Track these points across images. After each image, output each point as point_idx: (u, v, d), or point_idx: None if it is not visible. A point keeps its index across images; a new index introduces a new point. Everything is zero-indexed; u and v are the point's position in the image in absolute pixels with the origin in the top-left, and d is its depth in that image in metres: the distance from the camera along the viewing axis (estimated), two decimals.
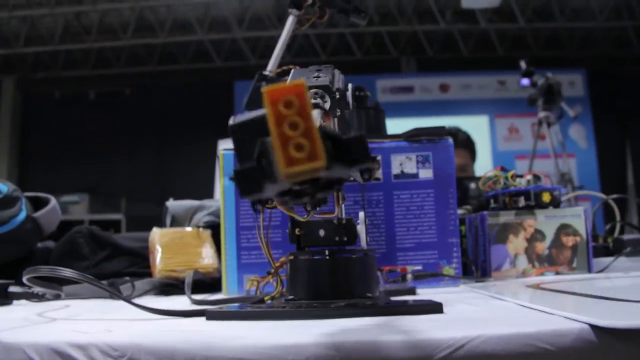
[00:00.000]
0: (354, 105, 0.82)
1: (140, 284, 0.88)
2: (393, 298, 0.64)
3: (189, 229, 0.99)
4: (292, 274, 0.64)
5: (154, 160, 6.68)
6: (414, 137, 0.93)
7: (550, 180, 1.00)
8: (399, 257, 0.89)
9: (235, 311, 0.52)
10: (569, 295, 0.61)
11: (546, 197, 0.96)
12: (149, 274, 0.96)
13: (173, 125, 6.54)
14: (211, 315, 0.53)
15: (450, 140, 0.92)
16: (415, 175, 0.91)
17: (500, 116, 7.48)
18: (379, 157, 0.91)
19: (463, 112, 7.52)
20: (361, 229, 0.68)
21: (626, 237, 1.04)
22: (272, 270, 0.71)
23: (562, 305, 0.55)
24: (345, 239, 0.67)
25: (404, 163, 0.91)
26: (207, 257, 0.95)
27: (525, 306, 0.54)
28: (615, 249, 1.06)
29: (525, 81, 3.12)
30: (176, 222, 1.08)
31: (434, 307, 0.52)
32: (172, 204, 1.09)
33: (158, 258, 0.92)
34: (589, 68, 6.43)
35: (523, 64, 3.09)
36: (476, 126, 7.52)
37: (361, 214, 0.68)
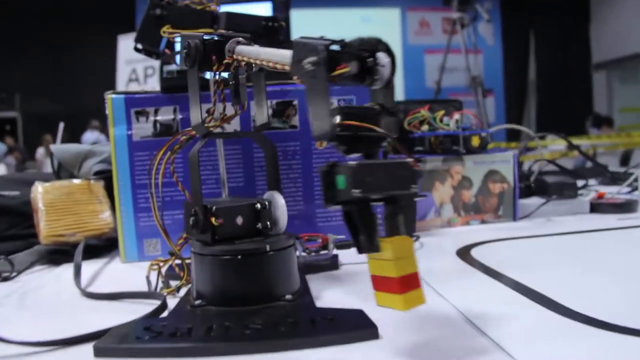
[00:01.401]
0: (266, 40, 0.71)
1: (24, 255, 0.76)
2: (319, 303, 0.56)
3: (77, 181, 0.86)
4: (198, 270, 0.54)
5: (50, 54, 6.16)
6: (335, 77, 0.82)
7: (480, 121, 0.93)
8: (318, 215, 0.81)
9: (128, 348, 0.43)
10: (518, 296, 0.55)
11: (475, 141, 0.90)
12: (34, 235, 0.83)
13: (70, 16, 6.00)
14: (100, 352, 0.43)
15: None
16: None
17: (411, 9, 7.37)
18: (295, 102, 0.81)
19: (374, 4, 7.35)
20: (281, 210, 0.59)
21: (550, 179, 1.01)
22: (174, 252, 0.62)
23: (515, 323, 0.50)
24: (268, 224, 0.57)
25: None
26: (101, 215, 0.83)
27: (471, 322, 0.47)
28: (537, 190, 1.03)
29: None
30: (64, 169, 0.94)
31: (369, 333, 0.44)
32: (57, 148, 0.94)
33: (42, 221, 0.79)
34: None
35: None
36: (387, 19, 7.42)
37: (277, 197, 0.59)
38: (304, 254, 0.70)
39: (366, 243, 0.41)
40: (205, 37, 0.61)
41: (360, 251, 0.42)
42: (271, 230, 0.58)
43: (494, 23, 6.52)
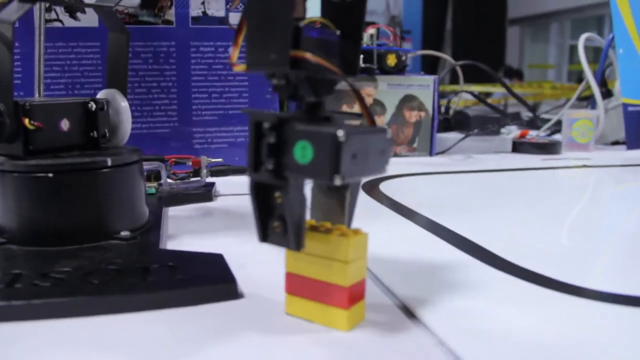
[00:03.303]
0: None
1: None
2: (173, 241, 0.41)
3: None
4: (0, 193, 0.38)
5: None
6: None
7: (397, 38, 0.79)
8: (196, 134, 0.65)
9: None
10: (434, 238, 0.42)
11: (391, 60, 0.76)
12: None
13: None
14: None
15: None
16: (224, 20, 0.64)
17: None
18: None
19: None
20: (124, 114, 0.43)
21: (471, 111, 0.89)
22: None
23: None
24: (106, 132, 0.41)
25: (208, 1, 0.64)
26: None
27: (380, 282, 0.34)
28: (457, 124, 0.91)
29: None
30: None
31: (223, 290, 0.29)
32: None
33: None
34: None
35: None
36: None
37: (118, 97, 0.42)
38: (170, 180, 0.54)
39: (293, 239, 0.25)
40: None
41: (273, 242, 0.26)
42: (109, 141, 0.42)
43: None
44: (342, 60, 0.29)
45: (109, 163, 0.37)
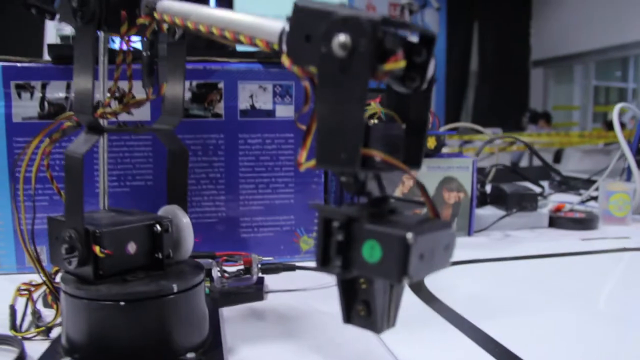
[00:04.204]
0: None
1: None
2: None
3: None
4: (70, 314, 0.39)
5: None
6: (272, 58, 0.67)
7: (437, 118, 0.81)
8: (243, 223, 0.67)
9: None
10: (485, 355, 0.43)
11: (431, 143, 0.77)
12: None
13: None
14: None
15: None
16: (271, 113, 0.67)
17: None
18: (220, 85, 0.66)
19: None
20: (186, 232, 0.44)
21: (508, 188, 0.90)
22: (47, 282, 0.46)
23: None
24: (170, 253, 0.43)
25: (256, 95, 0.66)
26: None
27: None
28: (493, 199, 0.92)
29: None
30: None
31: None
32: None
33: None
34: None
35: None
36: (332, 2, 7.25)
37: (180, 214, 0.44)
38: (218, 274, 0.55)
39: (378, 323, 0.27)
40: None
41: (356, 324, 0.28)
42: (172, 258, 0.43)
43: (440, 11, 6.48)
44: (406, 152, 0.29)
45: (175, 290, 0.39)
